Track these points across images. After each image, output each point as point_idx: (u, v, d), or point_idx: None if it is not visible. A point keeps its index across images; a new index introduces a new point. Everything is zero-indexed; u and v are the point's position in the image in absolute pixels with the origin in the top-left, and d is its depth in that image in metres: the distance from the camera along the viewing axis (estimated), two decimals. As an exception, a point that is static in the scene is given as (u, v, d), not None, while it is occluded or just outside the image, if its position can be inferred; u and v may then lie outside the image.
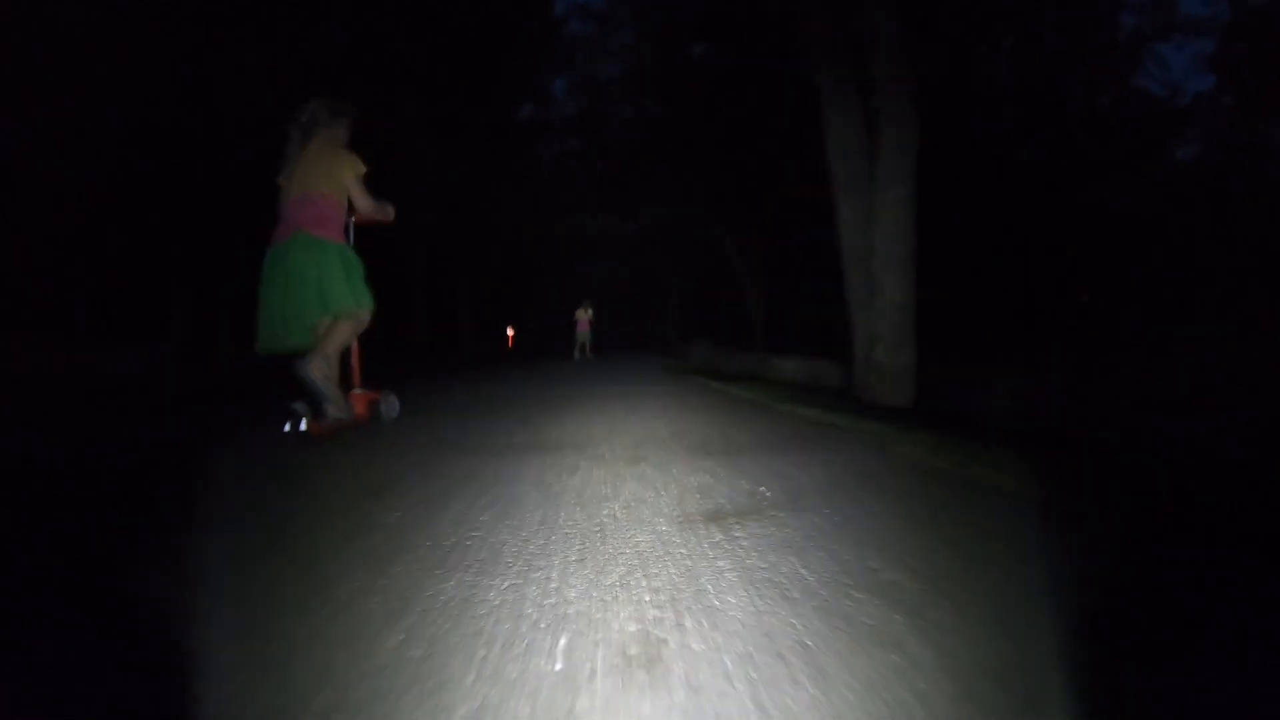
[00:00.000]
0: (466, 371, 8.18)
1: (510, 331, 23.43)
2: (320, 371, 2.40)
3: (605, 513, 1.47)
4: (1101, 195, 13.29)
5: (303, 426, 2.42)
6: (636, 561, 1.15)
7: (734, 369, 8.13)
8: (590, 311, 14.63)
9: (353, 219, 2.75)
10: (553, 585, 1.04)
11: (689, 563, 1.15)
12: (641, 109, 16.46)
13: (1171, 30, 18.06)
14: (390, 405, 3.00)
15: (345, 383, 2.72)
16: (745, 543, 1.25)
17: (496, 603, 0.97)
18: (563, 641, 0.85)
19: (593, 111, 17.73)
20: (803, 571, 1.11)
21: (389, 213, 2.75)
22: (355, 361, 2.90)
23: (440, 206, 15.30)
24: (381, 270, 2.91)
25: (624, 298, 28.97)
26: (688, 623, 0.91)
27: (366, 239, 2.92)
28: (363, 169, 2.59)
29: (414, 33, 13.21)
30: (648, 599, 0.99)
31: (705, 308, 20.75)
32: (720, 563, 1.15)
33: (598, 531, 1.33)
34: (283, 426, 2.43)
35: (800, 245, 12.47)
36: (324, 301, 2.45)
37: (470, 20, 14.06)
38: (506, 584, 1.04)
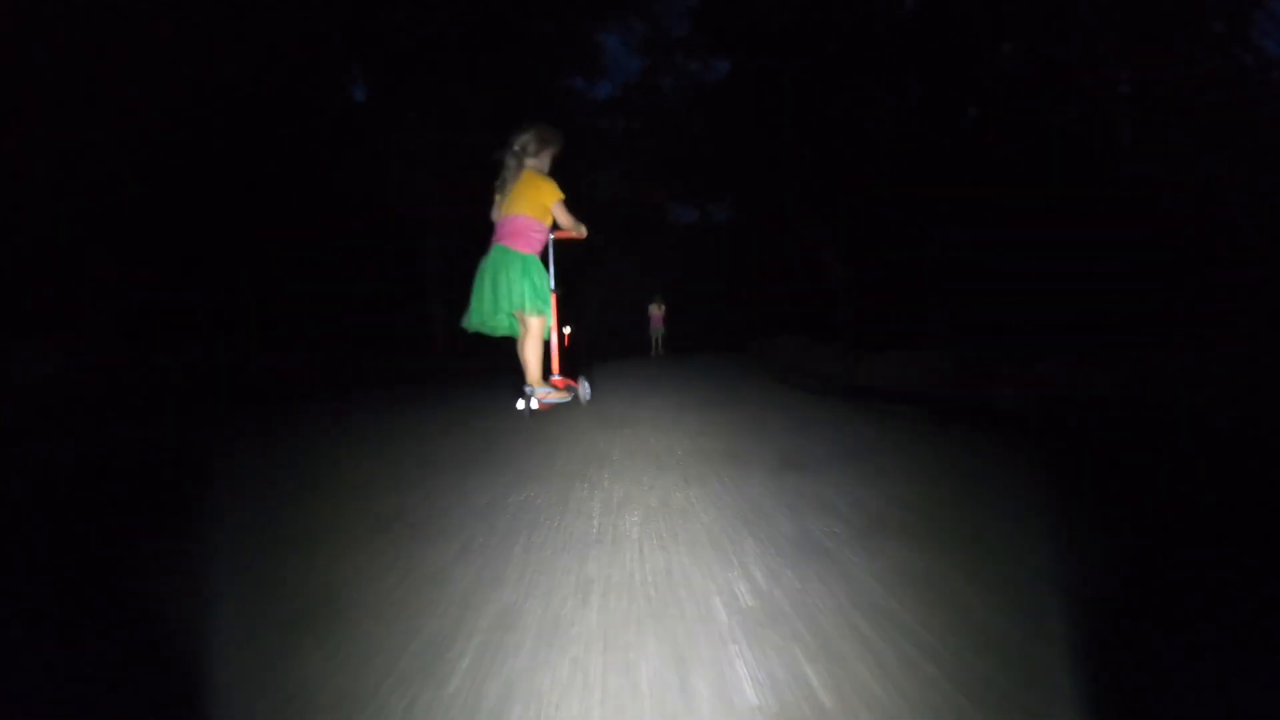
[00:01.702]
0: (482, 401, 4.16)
1: (566, 331, 23.47)
2: (534, 380, 3.07)
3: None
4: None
5: (533, 405, 3.08)
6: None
7: (861, 378, 5.31)
8: (664, 306, 14.52)
9: (553, 235, 3.33)
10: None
11: None
12: (704, 73, 15.06)
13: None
14: (585, 389, 3.56)
15: (548, 372, 3.32)
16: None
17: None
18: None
19: (652, 73, 16.02)
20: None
21: (583, 231, 3.29)
22: (555, 354, 3.42)
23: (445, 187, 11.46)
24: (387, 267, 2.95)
25: (690, 289, 28.41)
26: None
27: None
28: (562, 195, 3.17)
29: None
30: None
31: (777, 297, 19.45)
32: None
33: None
34: (516, 404, 3.13)
35: (897, 230, 11.63)
36: (510, 298, 3.04)
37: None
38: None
